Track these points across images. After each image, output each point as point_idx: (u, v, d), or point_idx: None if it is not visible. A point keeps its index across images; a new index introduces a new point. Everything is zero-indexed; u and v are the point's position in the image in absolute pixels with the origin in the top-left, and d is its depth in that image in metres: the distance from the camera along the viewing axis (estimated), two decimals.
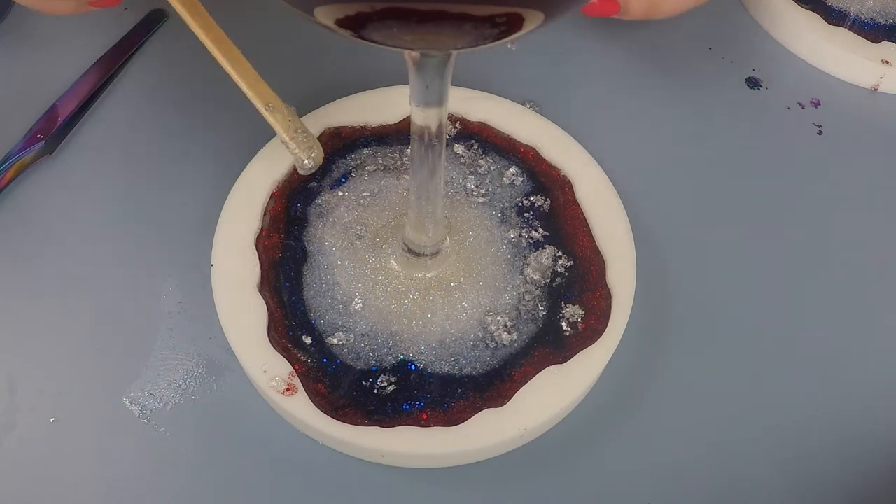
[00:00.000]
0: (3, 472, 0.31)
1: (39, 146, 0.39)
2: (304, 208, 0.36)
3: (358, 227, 0.35)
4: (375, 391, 0.31)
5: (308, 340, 0.32)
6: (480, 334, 0.33)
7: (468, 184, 0.37)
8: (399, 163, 0.38)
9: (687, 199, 0.40)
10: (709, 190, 0.40)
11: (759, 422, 0.34)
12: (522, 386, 0.31)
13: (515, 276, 0.34)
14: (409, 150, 0.35)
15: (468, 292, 0.34)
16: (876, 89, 0.45)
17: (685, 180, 0.41)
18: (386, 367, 0.32)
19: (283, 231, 0.35)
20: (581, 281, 0.34)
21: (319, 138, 0.38)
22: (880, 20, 0.46)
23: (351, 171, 0.37)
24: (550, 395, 0.31)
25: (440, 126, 0.28)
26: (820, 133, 0.43)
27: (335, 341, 0.32)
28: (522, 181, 0.37)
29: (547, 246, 0.35)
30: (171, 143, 0.40)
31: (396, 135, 0.39)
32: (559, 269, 0.35)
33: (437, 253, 0.33)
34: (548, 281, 0.34)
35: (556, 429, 0.33)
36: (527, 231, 0.36)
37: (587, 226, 0.36)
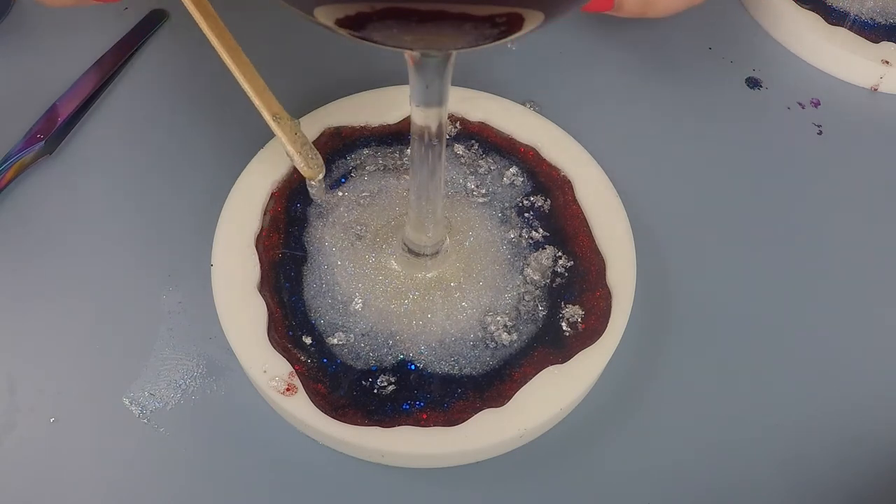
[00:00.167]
0: (3, 472, 0.31)
1: (39, 146, 0.39)
2: (304, 208, 0.36)
3: (358, 227, 0.35)
4: (375, 391, 0.31)
5: (308, 340, 0.32)
6: (480, 334, 0.33)
7: (468, 184, 0.37)
8: (399, 163, 0.38)
9: (687, 199, 0.40)
10: (709, 190, 0.40)
11: (759, 422, 0.34)
12: (522, 386, 0.31)
13: (515, 276, 0.34)
14: (409, 150, 0.35)
15: (468, 292, 0.34)
16: (876, 89, 0.45)
17: (685, 180, 0.41)
18: (386, 367, 0.32)
19: (283, 231, 0.35)
20: (581, 281, 0.34)
21: (319, 138, 0.38)
22: (880, 20, 0.46)
23: (351, 171, 0.37)
24: (550, 395, 0.31)
25: (440, 126, 0.28)
26: (820, 133, 0.43)
27: (335, 341, 0.32)
28: (522, 181, 0.37)
29: (547, 246, 0.35)
30: (171, 142, 0.40)
31: (396, 135, 0.39)
32: (559, 270, 0.35)
33: (437, 253, 0.33)
34: (548, 281, 0.34)
35: (556, 429, 0.33)
36: (527, 231, 0.36)
37: (587, 226, 0.36)
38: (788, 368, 0.35)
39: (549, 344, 0.33)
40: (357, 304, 0.33)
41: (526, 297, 0.34)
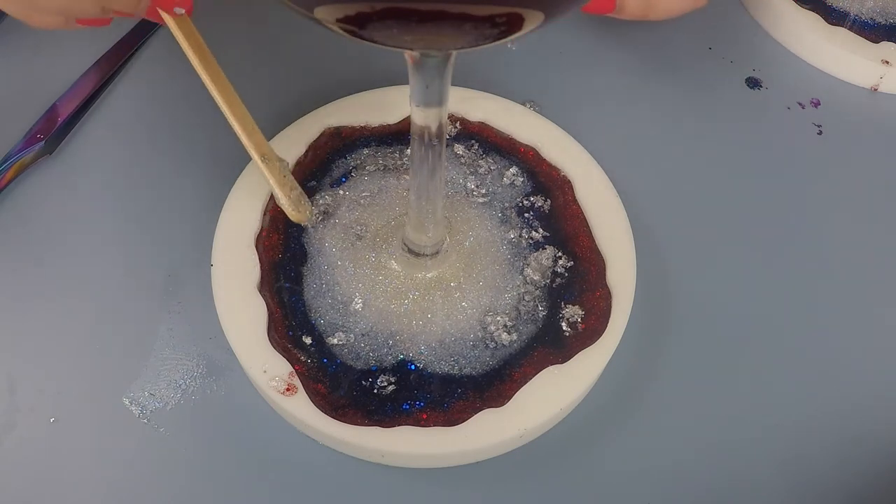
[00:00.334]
0: (3, 472, 0.31)
1: (39, 146, 0.39)
2: None
3: (358, 227, 0.35)
4: (375, 391, 0.31)
5: (308, 340, 0.32)
6: (480, 334, 0.33)
7: (468, 184, 0.37)
8: (399, 163, 0.38)
9: (687, 199, 0.40)
10: (709, 190, 0.40)
11: (759, 422, 0.34)
12: (522, 386, 0.31)
13: (515, 276, 0.34)
14: (409, 150, 0.35)
15: (468, 292, 0.34)
16: (876, 89, 0.45)
17: (685, 180, 0.41)
18: (386, 367, 0.32)
19: (283, 231, 0.35)
20: (581, 281, 0.34)
21: (319, 138, 0.38)
22: (880, 20, 0.46)
23: (351, 171, 0.37)
24: (550, 395, 0.31)
25: (440, 126, 0.28)
26: (820, 133, 0.43)
27: (335, 341, 0.32)
28: (523, 181, 0.37)
29: (547, 246, 0.35)
30: (171, 142, 0.40)
31: (396, 135, 0.39)
32: (559, 270, 0.35)
33: (437, 253, 0.33)
34: (548, 281, 0.34)
35: (556, 429, 0.33)
36: (527, 231, 0.36)
37: (587, 226, 0.36)
38: (788, 368, 0.35)
39: (549, 344, 0.33)
40: (357, 304, 0.33)
41: (526, 297, 0.34)
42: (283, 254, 0.34)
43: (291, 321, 0.33)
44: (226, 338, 0.32)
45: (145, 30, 0.44)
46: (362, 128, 0.39)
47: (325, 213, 0.36)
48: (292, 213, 0.34)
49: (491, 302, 0.34)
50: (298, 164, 0.37)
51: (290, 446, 0.32)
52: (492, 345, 0.33)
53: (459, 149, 0.38)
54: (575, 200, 0.37)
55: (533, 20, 0.22)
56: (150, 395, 0.33)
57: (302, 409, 0.31)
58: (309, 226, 0.35)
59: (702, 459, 0.33)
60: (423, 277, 0.34)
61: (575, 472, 0.32)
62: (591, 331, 0.33)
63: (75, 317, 0.35)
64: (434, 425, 0.31)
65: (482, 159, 0.38)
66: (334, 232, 0.35)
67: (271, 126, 0.38)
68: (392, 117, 0.39)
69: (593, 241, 0.35)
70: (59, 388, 0.33)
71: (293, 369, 0.31)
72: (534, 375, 0.32)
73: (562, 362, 0.32)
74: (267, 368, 0.31)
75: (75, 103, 0.40)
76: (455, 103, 0.39)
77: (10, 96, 0.41)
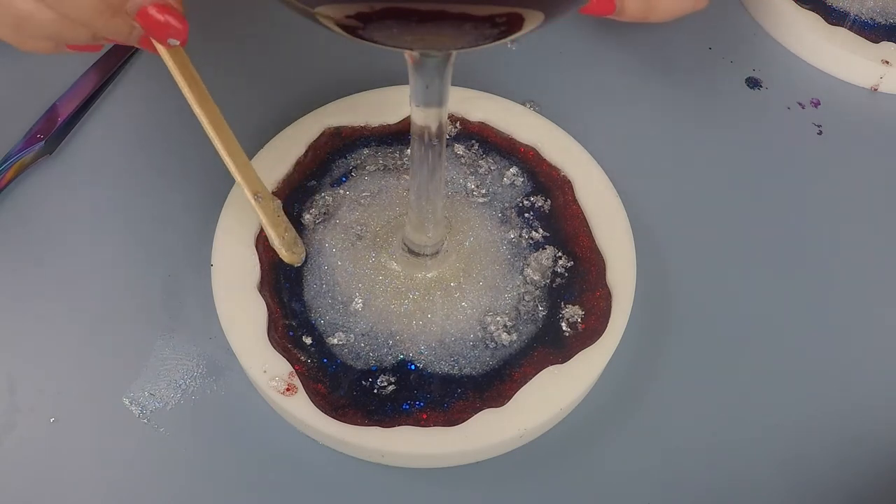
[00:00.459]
0: (3, 472, 0.31)
1: (39, 146, 0.39)
2: (304, 209, 0.36)
3: (358, 227, 0.35)
4: (375, 391, 0.31)
5: (308, 340, 0.32)
6: (480, 334, 0.33)
7: (468, 184, 0.37)
8: (399, 163, 0.38)
9: (687, 199, 0.40)
10: (709, 190, 0.40)
11: (759, 422, 0.34)
12: (522, 386, 0.31)
13: (515, 276, 0.34)
14: (409, 150, 0.35)
15: (468, 292, 0.34)
16: (876, 89, 0.45)
17: (685, 180, 0.41)
18: (386, 367, 0.32)
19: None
20: (581, 281, 0.34)
21: (319, 138, 0.38)
22: (880, 20, 0.46)
23: (351, 171, 0.37)
24: (550, 395, 0.31)
25: (440, 126, 0.28)
26: (820, 133, 0.43)
27: (335, 341, 0.32)
28: (523, 181, 0.37)
29: (547, 246, 0.35)
30: (170, 143, 0.40)
31: (396, 135, 0.39)
32: (559, 270, 0.35)
33: (437, 253, 0.33)
34: (548, 281, 0.34)
35: (556, 429, 0.33)
36: (527, 231, 0.36)
37: (587, 226, 0.36)
38: (788, 368, 0.35)
39: (549, 344, 0.33)
40: (357, 304, 0.33)
41: (526, 298, 0.34)
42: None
43: (291, 321, 0.33)
44: (226, 338, 0.32)
45: None
46: (362, 128, 0.39)
47: (325, 213, 0.36)
48: (285, 255, 0.34)
49: (491, 302, 0.34)
50: (298, 164, 0.37)
51: (290, 446, 0.32)
52: (492, 345, 0.33)
53: (459, 149, 0.38)
54: (575, 200, 0.37)
55: (533, 20, 0.22)
56: (150, 395, 0.33)
57: (302, 409, 0.31)
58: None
59: (702, 459, 0.33)
60: (423, 277, 0.34)
61: (575, 472, 0.32)
62: (591, 331, 0.33)
63: (75, 317, 0.35)
64: (434, 425, 0.31)
65: (482, 159, 0.38)
66: (334, 232, 0.35)
67: (271, 126, 0.38)
68: (392, 117, 0.39)
69: (593, 241, 0.35)
70: (59, 388, 0.33)
71: (293, 369, 0.31)
72: (534, 375, 0.32)
73: (562, 362, 0.32)
74: (267, 368, 0.31)
75: (75, 103, 0.40)
76: (455, 103, 0.39)
77: (10, 96, 0.41)
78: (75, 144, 0.40)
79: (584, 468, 0.32)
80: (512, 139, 0.39)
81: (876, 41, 0.45)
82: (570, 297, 0.34)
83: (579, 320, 0.33)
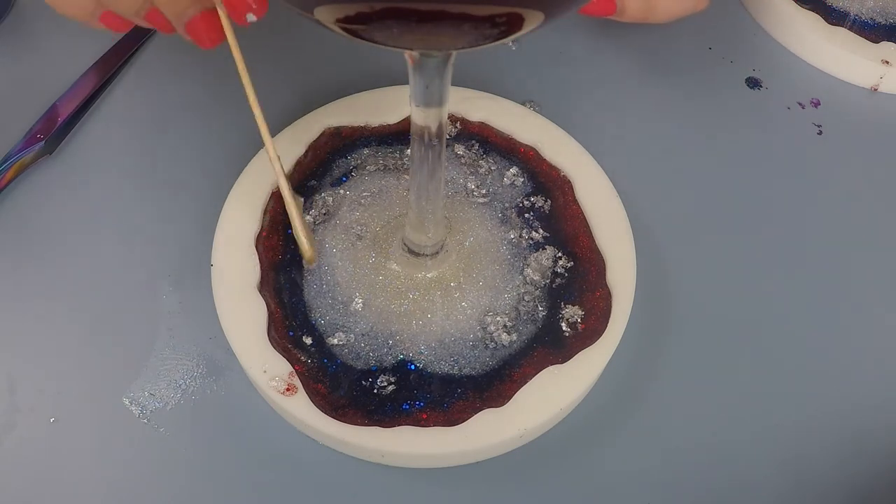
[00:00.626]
0: (3, 472, 0.31)
1: (39, 146, 0.39)
2: (304, 209, 0.36)
3: (358, 228, 0.35)
4: (375, 391, 0.31)
5: (308, 340, 0.32)
6: (480, 334, 0.33)
7: (468, 184, 0.37)
8: (399, 163, 0.38)
9: (687, 199, 0.40)
10: (709, 190, 0.40)
11: (759, 422, 0.34)
12: (522, 386, 0.31)
13: (515, 276, 0.34)
14: (409, 150, 0.35)
15: (468, 292, 0.34)
16: (876, 89, 0.45)
17: (685, 180, 0.41)
18: (386, 367, 0.32)
19: (283, 231, 0.35)
20: (581, 281, 0.34)
21: (319, 138, 0.38)
22: (880, 20, 0.46)
23: (351, 171, 0.37)
24: (550, 395, 0.31)
25: (440, 126, 0.28)
26: (820, 133, 0.43)
27: (335, 341, 0.32)
28: (523, 181, 0.37)
29: (547, 246, 0.35)
30: (171, 143, 0.40)
31: (396, 135, 0.39)
32: (559, 270, 0.35)
33: (436, 253, 0.33)
34: (548, 281, 0.34)
35: (556, 429, 0.33)
36: (527, 231, 0.36)
37: (587, 226, 0.36)
38: (789, 368, 0.35)
39: (548, 344, 0.33)
40: (357, 304, 0.33)
41: (526, 298, 0.34)
42: (283, 254, 0.35)
43: (291, 321, 0.33)
44: (226, 338, 0.32)
45: (145, 30, 0.44)
46: (362, 128, 0.39)
47: (325, 213, 0.36)
48: (308, 251, 0.32)
49: (491, 302, 0.34)
50: (298, 164, 0.37)
51: (290, 446, 0.32)
52: (491, 345, 0.33)
53: (459, 149, 0.38)
54: (575, 200, 0.37)
55: (533, 20, 0.22)
56: (150, 395, 0.33)
57: (302, 409, 0.31)
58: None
59: (702, 459, 0.33)
60: (422, 277, 0.34)
61: (575, 472, 0.32)
62: (591, 331, 0.33)
63: (75, 317, 0.35)
64: (434, 425, 0.31)
65: (482, 159, 0.38)
66: (334, 232, 0.35)
67: (272, 126, 0.38)
68: (392, 117, 0.39)
69: (593, 241, 0.35)
70: (59, 388, 0.33)
71: (293, 369, 0.31)
72: (534, 375, 0.32)
73: (562, 362, 0.32)
74: (267, 368, 0.31)
75: (75, 103, 0.40)
76: (455, 103, 0.39)
77: (10, 96, 0.41)
78: (75, 144, 0.40)
79: (584, 468, 0.32)
80: (512, 139, 0.39)
81: (876, 41, 0.45)
82: (570, 297, 0.34)
83: (579, 320, 0.33)
